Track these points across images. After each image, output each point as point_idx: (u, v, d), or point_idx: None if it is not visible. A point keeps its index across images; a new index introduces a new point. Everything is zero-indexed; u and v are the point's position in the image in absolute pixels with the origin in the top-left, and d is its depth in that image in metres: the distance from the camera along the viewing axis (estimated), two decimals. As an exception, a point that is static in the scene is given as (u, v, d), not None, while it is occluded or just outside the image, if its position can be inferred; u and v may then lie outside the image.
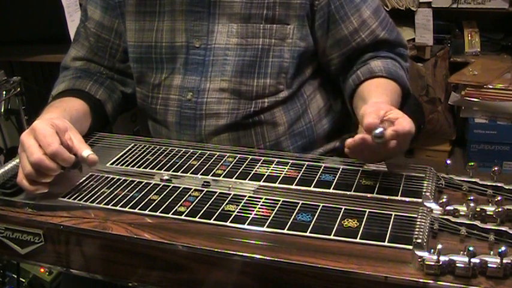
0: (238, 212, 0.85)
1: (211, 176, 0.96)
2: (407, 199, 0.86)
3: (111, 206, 0.89)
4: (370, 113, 0.90)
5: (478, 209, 0.80)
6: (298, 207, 0.85)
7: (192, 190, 0.92)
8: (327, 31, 1.14)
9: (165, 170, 0.99)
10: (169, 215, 0.85)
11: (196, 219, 0.84)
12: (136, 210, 0.87)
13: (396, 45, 1.19)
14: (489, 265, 0.69)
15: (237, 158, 1.01)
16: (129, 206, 0.88)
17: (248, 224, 0.82)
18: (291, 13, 1.11)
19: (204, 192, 0.91)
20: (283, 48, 1.12)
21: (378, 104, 0.95)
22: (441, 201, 0.81)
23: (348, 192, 0.89)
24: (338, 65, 1.18)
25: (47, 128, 0.93)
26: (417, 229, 0.77)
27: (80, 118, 1.10)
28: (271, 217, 0.83)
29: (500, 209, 0.77)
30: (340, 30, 1.14)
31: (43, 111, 1.06)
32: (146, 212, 0.87)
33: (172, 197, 0.90)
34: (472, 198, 0.83)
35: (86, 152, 0.94)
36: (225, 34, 1.13)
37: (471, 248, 0.69)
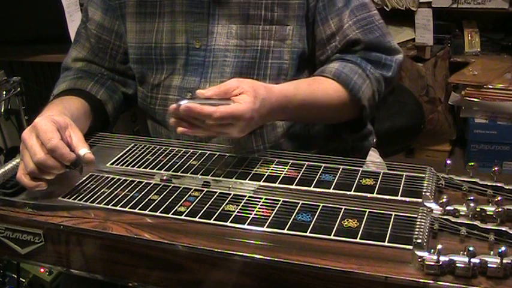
0: (238, 212, 0.85)
1: (212, 176, 0.96)
2: (407, 199, 0.86)
3: (111, 206, 0.89)
4: (221, 85, 0.94)
5: (478, 209, 0.80)
6: (298, 207, 0.85)
7: (192, 190, 0.92)
8: (312, 32, 1.13)
9: (165, 170, 0.99)
10: (170, 215, 0.85)
11: (197, 219, 0.84)
12: (136, 210, 0.87)
13: (373, 49, 1.12)
14: (489, 265, 0.69)
15: (237, 158, 1.01)
16: (129, 206, 0.88)
17: (248, 224, 0.82)
18: (289, 14, 1.10)
19: (204, 192, 0.91)
20: (282, 49, 1.11)
21: (246, 81, 0.96)
22: (441, 201, 0.81)
23: (348, 192, 0.89)
24: (320, 65, 1.15)
25: (48, 124, 0.93)
26: (417, 229, 0.77)
27: (80, 117, 1.10)
28: (271, 217, 0.83)
29: (500, 209, 0.77)
30: (319, 32, 1.12)
31: (44, 109, 1.06)
32: (146, 212, 0.87)
33: (173, 197, 0.90)
34: (472, 198, 0.84)
35: (82, 150, 0.94)
36: (224, 35, 1.12)
37: (471, 248, 0.69)
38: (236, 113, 0.91)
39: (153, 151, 1.06)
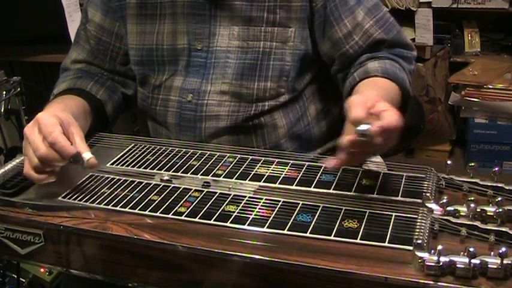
0: (238, 212, 0.85)
1: (212, 176, 0.96)
2: (407, 200, 0.86)
3: (111, 206, 0.89)
4: (357, 104, 0.84)
5: (478, 210, 0.79)
6: (298, 208, 0.85)
7: (192, 190, 0.91)
8: (323, 33, 1.13)
9: (165, 171, 0.98)
10: (170, 216, 0.85)
11: (197, 219, 0.84)
12: (136, 211, 0.87)
13: (395, 45, 1.14)
14: (489, 266, 0.69)
15: (237, 159, 1.01)
16: (129, 206, 0.88)
17: (248, 225, 0.82)
18: (292, 16, 1.10)
19: (204, 192, 0.91)
20: (284, 51, 1.11)
21: (366, 94, 0.89)
22: (441, 201, 0.81)
23: (348, 193, 0.89)
24: (337, 67, 1.16)
25: (50, 118, 0.93)
26: (417, 230, 0.77)
27: (80, 116, 1.09)
28: (271, 218, 0.83)
29: (500, 210, 0.77)
30: (335, 32, 1.12)
31: (44, 108, 1.06)
32: (146, 212, 0.87)
33: (173, 198, 0.90)
34: (472, 198, 0.84)
35: (86, 154, 0.94)
36: (226, 37, 1.12)
37: (471, 249, 0.69)
38: (398, 118, 0.83)
39: (153, 151, 1.06)
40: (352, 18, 1.11)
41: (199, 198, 0.89)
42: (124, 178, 0.97)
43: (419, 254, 0.71)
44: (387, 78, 1.07)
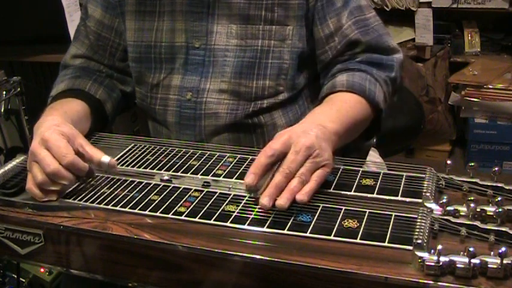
0: (238, 212, 0.85)
1: (212, 176, 0.96)
2: (407, 199, 0.86)
3: (111, 206, 0.89)
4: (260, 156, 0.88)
5: (478, 210, 0.79)
6: (298, 208, 0.85)
7: (192, 190, 0.91)
8: (311, 31, 1.13)
9: (165, 170, 0.98)
10: (170, 216, 0.85)
11: (197, 219, 0.84)
12: (136, 211, 0.87)
13: (373, 49, 1.12)
14: (489, 266, 0.69)
15: (237, 158, 1.01)
16: (129, 206, 0.88)
17: (248, 225, 0.82)
18: (290, 14, 1.10)
19: (204, 192, 0.91)
20: (282, 49, 1.11)
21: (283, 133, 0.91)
22: (441, 201, 0.81)
23: (348, 193, 0.89)
24: (321, 65, 1.16)
25: (59, 138, 0.93)
26: (417, 229, 0.77)
27: (80, 120, 1.10)
28: (271, 217, 0.83)
29: (500, 210, 0.77)
30: (317, 32, 1.12)
31: (43, 113, 1.06)
32: (146, 212, 0.87)
33: (173, 197, 0.90)
34: (472, 198, 0.83)
35: (105, 157, 0.95)
36: (224, 35, 1.13)
37: (471, 249, 0.69)
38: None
39: (153, 151, 1.06)
40: (337, 20, 1.11)
41: (199, 198, 0.89)
42: (124, 178, 0.97)
43: (419, 253, 0.71)
44: (352, 92, 1.06)
